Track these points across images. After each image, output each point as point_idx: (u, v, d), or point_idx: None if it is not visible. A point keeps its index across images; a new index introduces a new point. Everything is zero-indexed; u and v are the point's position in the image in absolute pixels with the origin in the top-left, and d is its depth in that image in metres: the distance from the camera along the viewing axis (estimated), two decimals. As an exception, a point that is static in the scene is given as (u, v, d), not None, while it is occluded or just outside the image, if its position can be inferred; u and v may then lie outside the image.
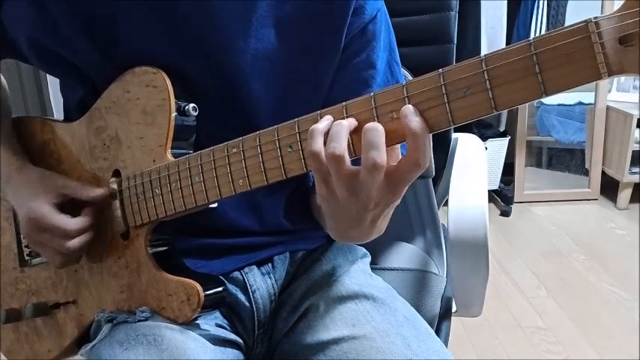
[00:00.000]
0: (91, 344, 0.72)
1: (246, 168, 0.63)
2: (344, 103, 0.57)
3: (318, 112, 0.58)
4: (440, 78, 0.52)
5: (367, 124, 0.54)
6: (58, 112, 1.02)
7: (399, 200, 0.58)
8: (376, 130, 0.53)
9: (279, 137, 0.60)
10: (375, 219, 0.60)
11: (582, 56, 0.45)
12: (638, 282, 2.21)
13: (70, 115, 0.82)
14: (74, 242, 0.73)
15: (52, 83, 1.35)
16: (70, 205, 0.75)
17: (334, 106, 0.57)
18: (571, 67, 0.46)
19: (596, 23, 0.45)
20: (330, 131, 0.55)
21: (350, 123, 0.55)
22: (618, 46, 0.44)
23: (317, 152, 0.55)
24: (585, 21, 0.45)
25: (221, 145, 0.64)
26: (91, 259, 0.78)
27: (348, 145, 0.55)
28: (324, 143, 0.55)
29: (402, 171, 0.55)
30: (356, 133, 0.55)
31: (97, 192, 0.75)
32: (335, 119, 0.56)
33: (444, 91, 0.51)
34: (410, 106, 0.53)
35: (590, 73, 0.45)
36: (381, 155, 0.53)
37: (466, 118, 0.51)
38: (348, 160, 0.54)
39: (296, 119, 0.59)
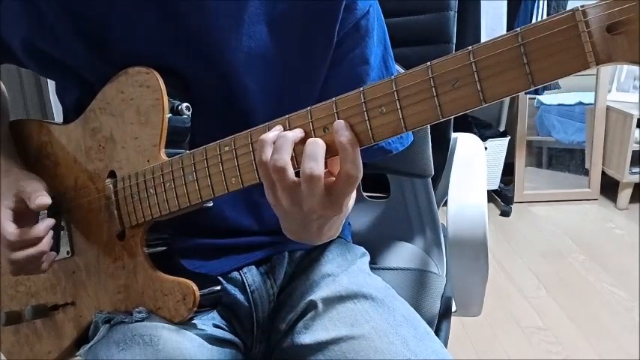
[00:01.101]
0: (88, 345, 0.73)
1: (238, 166, 0.63)
2: (334, 99, 0.57)
3: (308, 108, 0.58)
4: (428, 71, 0.51)
5: (309, 139, 0.56)
6: (58, 115, 1.02)
7: (343, 213, 0.59)
8: (316, 143, 0.56)
9: (291, 128, 0.59)
10: (320, 227, 0.61)
11: (569, 46, 0.45)
12: (637, 282, 2.21)
13: (69, 118, 0.82)
14: (17, 255, 0.72)
15: (53, 86, 1.35)
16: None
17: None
18: (559, 56, 0.45)
19: (583, 12, 0.44)
20: (275, 143, 0.57)
21: (295, 134, 0.57)
22: (606, 35, 0.44)
23: (264, 162, 0.57)
24: (572, 10, 0.45)
25: (213, 143, 0.64)
26: (88, 260, 0.78)
27: (295, 157, 0.57)
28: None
29: (339, 184, 0.56)
30: (303, 144, 0.57)
31: (38, 202, 0.72)
32: (288, 129, 0.58)
33: (432, 84, 0.51)
34: (341, 121, 0.55)
35: (578, 63, 0.45)
36: (318, 167, 0.55)
37: (455, 111, 0.51)
38: (290, 171, 0.56)
39: (287, 116, 0.59)
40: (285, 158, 0.56)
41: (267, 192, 0.59)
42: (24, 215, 0.74)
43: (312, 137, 0.57)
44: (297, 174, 0.57)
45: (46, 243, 0.74)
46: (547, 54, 0.46)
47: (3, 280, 0.88)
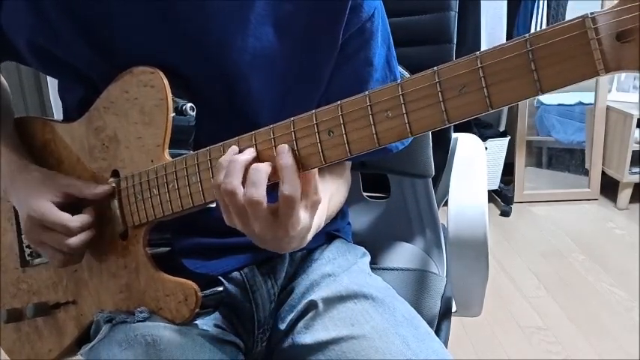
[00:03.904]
0: (90, 344, 0.72)
1: None
2: (339, 102, 0.56)
3: (314, 111, 0.58)
4: (435, 76, 0.51)
5: (253, 165, 0.58)
6: (58, 113, 1.02)
7: (299, 232, 0.60)
8: (257, 169, 0.57)
9: (275, 136, 0.60)
10: (279, 243, 0.62)
11: (579, 53, 0.44)
12: (637, 282, 2.21)
13: (70, 116, 0.82)
14: (76, 240, 0.73)
15: (52, 84, 1.35)
16: (69, 205, 0.75)
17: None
18: (567, 64, 0.45)
19: (593, 19, 0.44)
20: (228, 167, 0.58)
21: (246, 158, 0.59)
22: (615, 42, 0.43)
23: (217, 185, 0.59)
24: (582, 17, 0.44)
25: (217, 144, 0.64)
26: (90, 259, 0.78)
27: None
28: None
29: (280, 206, 0.57)
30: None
31: (101, 189, 0.74)
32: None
33: (438, 89, 0.51)
34: (284, 145, 0.58)
35: (587, 70, 0.44)
36: (258, 192, 0.57)
37: (462, 116, 0.51)
38: (240, 195, 0.57)
39: (291, 119, 0.59)
40: (234, 182, 0.57)
41: (223, 213, 0.61)
42: (64, 208, 0.74)
43: (282, 154, 0.58)
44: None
45: (93, 228, 0.75)
46: (556, 61, 0.45)
47: (4, 278, 0.88)
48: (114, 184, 0.74)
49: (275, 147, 0.59)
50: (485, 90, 0.49)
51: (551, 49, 0.46)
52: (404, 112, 0.53)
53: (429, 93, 0.51)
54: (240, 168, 0.58)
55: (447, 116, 0.51)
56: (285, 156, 0.57)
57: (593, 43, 0.44)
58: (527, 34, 0.46)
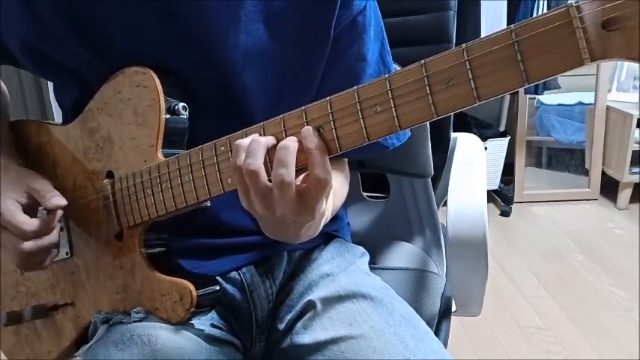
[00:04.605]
0: (87, 345, 0.73)
1: None
2: (328, 98, 0.57)
3: (303, 107, 0.58)
4: (422, 69, 0.51)
5: (281, 142, 0.57)
6: (58, 116, 1.02)
7: (319, 217, 0.60)
8: (286, 148, 0.56)
9: (266, 135, 0.59)
10: (297, 230, 0.61)
11: (564, 42, 0.44)
12: (637, 282, 2.21)
13: (68, 118, 0.82)
14: (28, 244, 0.72)
15: (53, 86, 1.36)
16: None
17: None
18: (553, 54, 0.45)
19: (578, 8, 0.44)
20: (249, 147, 0.57)
21: (267, 140, 0.58)
22: (601, 31, 0.43)
23: (238, 166, 0.57)
24: (566, 5, 0.44)
25: (209, 143, 0.64)
26: (86, 260, 0.78)
27: (268, 162, 0.58)
28: None
29: (310, 189, 0.57)
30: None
31: (55, 202, 0.73)
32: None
33: (426, 83, 0.51)
34: (309, 127, 0.57)
35: (573, 59, 0.44)
36: (289, 173, 0.55)
37: (450, 109, 0.51)
38: (263, 176, 0.56)
39: (281, 115, 0.59)
40: (258, 163, 0.56)
41: (242, 197, 0.60)
42: (29, 212, 0.74)
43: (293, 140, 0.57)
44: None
45: (55, 234, 0.74)
46: (541, 51, 0.46)
47: (4, 281, 0.88)
48: (107, 187, 0.73)
49: None
50: (472, 82, 0.49)
51: (537, 40, 0.46)
52: (392, 105, 0.53)
53: (416, 87, 0.52)
54: (263, 149, 0.57)
55: (434, 109, 0.51)
56: (313, 138, 0.56)
57: (578, 32, 0.44)
58: (512, 25, 0.46)
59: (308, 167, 0.56)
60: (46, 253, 0.74)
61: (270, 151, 0.58)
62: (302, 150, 0.56)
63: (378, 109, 0.54)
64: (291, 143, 0.56)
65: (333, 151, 0.57)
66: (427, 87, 0.51)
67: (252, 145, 0.57)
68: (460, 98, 0.50)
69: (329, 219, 0.68)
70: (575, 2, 0.44)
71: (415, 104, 0.52)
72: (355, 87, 0.55)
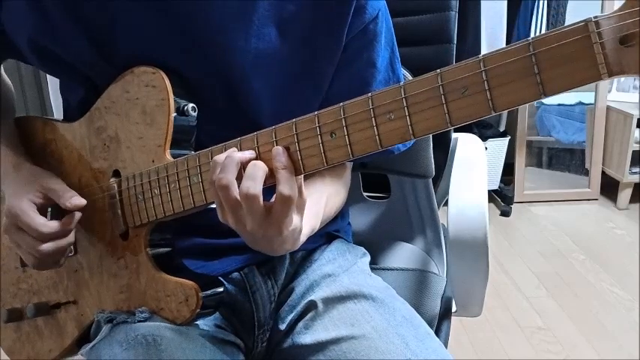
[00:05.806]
0: (90, 344, 0.73)
1: None
2: (341, 103, 0.56)
3: (316, 113, 0.58)
4: (438, 78, 0.51)
5: (251, 162, 0.59)
6: (58, 112, 1.02)
7: (289, 233, 0.60)
8: (255, 165, 0.59)
9: (277, 139, 0.60)
10: (269, 244, 0.62)
11: (582, 56, 0.45)
12: (637, 282, 2.21)
13: (70, 116, 0.82)
14: (45, 246, 0.72)
15: (52, 83, 1.35)
16: (57, 208, 0.74)
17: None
18: (570, 67, 0.45)
19: (596, 23, 0.44)
20: (223, 163, 0.59)
21: (243, 155, 0.60)
22: (619, 46, 0.43)
23: (212, 181, 0.59)
24: (585, 20, 0.44)
25: (219, 145, 0.64)
26: (91, 259, 0.78)
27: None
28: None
29: (276, 205, 0.58)
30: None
31: (75, 202, 0.73)
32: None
33: (441, 92, 0.51)
34: (279, 147, 0.59)
35: (590, 74, 0.45)
36: (255, 186, 0.57)
37: (464, 119, 0.51)
38: (233, 190, 0.58)
39: (293, 120, 0.59)
40: (229, 177, 0.58)
41: (217, 210, 0.61)
42: (44, 211, 0.74)
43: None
44: None
45: (73, 235, 0.74)
46: (559, 64, 0.46)
47: (5, 278, 0.88)
48: (113, 186, 0.74)
49: None
50: (488, 93, 0.49)
51: (554, 53, 0.46)
52: (406, 114, 0.53)
53: (431, 95, 0.51)
54: (236, 164, 0.59)
55: (449, 118, 0.51)
56: (281, 157, 0.58)
57: (596, 47, 0.44)
58: (530, 38, 0.47)
59: (276, 184, 0.58)
60: (63, 253, 0.74)
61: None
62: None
63: (392, 117, 0.54)
64: (261, 163, 0.59)
65: (344, 158, 0.57)
66: (442, 96, 0.51)
67: (226, 160, 0.59)
68: (475, 108, 0.50)
69: (317, 229, 0.69)
70: (594, 17, 0.44)
71: (429, 113, 0.52)
72: (369, 93, 0.55)
